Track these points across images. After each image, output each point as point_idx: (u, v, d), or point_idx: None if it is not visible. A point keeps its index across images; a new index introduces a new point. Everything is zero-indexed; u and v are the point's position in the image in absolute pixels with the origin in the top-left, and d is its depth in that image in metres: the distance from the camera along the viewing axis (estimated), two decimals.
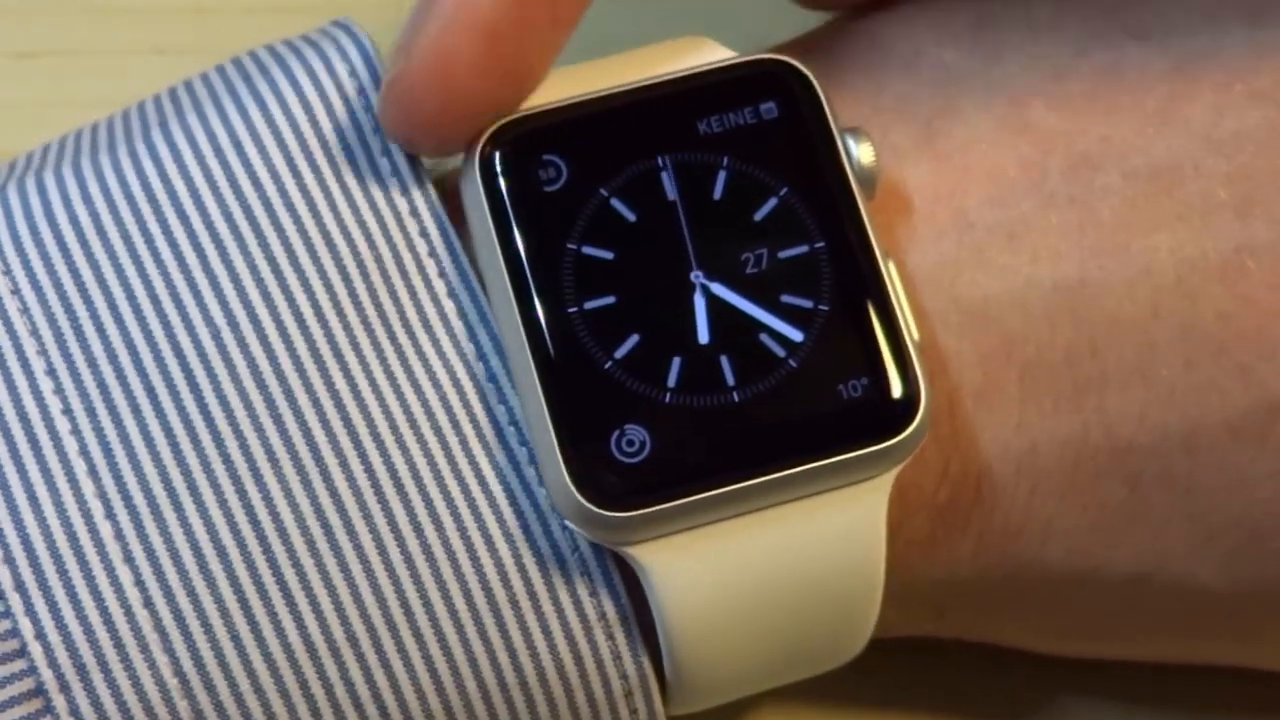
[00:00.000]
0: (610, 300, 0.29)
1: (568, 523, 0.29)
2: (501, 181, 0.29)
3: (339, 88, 0.30)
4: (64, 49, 0.42)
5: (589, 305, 0.29)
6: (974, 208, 0.31)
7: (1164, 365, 0.30)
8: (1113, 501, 0.30)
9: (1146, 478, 0.30)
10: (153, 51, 0.42)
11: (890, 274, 0.29)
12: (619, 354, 0.29)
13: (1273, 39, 0.31)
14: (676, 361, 0.29)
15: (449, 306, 0.30)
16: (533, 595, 0.29)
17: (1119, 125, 0.31)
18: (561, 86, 0.30)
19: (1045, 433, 0.30)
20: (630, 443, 0.28)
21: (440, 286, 0.30)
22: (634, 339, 0.29)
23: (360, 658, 0.29)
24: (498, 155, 0.29)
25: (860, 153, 0.30)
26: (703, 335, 0.29)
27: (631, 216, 0.29)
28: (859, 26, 0.33)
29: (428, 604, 0.29)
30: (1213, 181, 0.30)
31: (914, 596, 0.31)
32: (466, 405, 0.29)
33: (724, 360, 0.29)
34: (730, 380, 0.29)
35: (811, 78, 0.30)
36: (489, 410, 0.29)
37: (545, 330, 0.29)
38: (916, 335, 0.29)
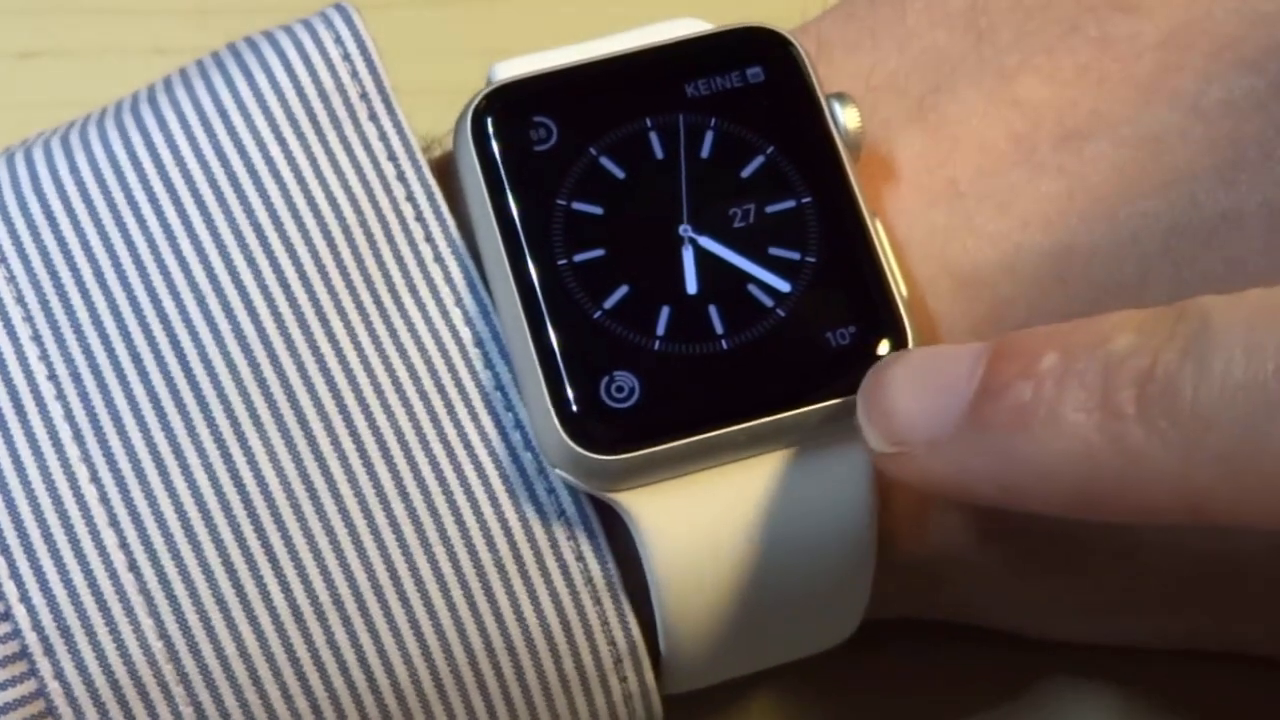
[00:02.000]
0: (600, 253, 0.29)
1: (559, 471, 0.29)
2: (493, 142, 0.30)
3: (325, 56, 0.30)
4: (64, 49, 0.42)
5: (579, 258, 0.29)
6: (964, 178, 0.31)
7: None
8: None
9: None
10: (153, 51, 0.42)
11: (877, 230, 0.29)
12: (608, 304, 0.29)
13: (1261, 8, 0.31)
14: (665, 311, 0.29)
15: (435, 271, 0.30)
16: (519, 560, 0.29)
17: (1109, 97, 0.31)
18: (553, 59, 0.31)
19: None
20: (620, 389, 0.28)
21: (426, 251, 0.30)
22: (623, 289, 0.29)
23: (346, 621, 0.28)
24: (490, 118, 0.30)
25: (845, 116, 0.30)
26: (691, 286, 0.29)
27: (620, 174, 0.30)
28: (853, 11, 0.33)
29: (413, 568, 0.29)
30: (1200, 149, 0.30)
31: (906, 568, 0.31)
32: (452, 370, 0.29)
33: (712, 310, 0.29)
34: (719, 329, 0.29)
35: (797, 43, 0.31)
36: (475, 375, 0.29)
37: (536, 282, 0.29)
38: (904, 290, 0.29)
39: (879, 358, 0.29)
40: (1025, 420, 0.25)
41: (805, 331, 0.29)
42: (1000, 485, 0.26)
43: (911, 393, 0.27)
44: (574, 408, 0.28)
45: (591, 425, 0.28)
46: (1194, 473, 0.23)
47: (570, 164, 0.30)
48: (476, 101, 0.30)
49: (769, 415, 0.28)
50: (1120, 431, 0.24)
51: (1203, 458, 0.23)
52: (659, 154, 0.30)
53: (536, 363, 0.28)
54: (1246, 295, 0.24)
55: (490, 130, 0.30)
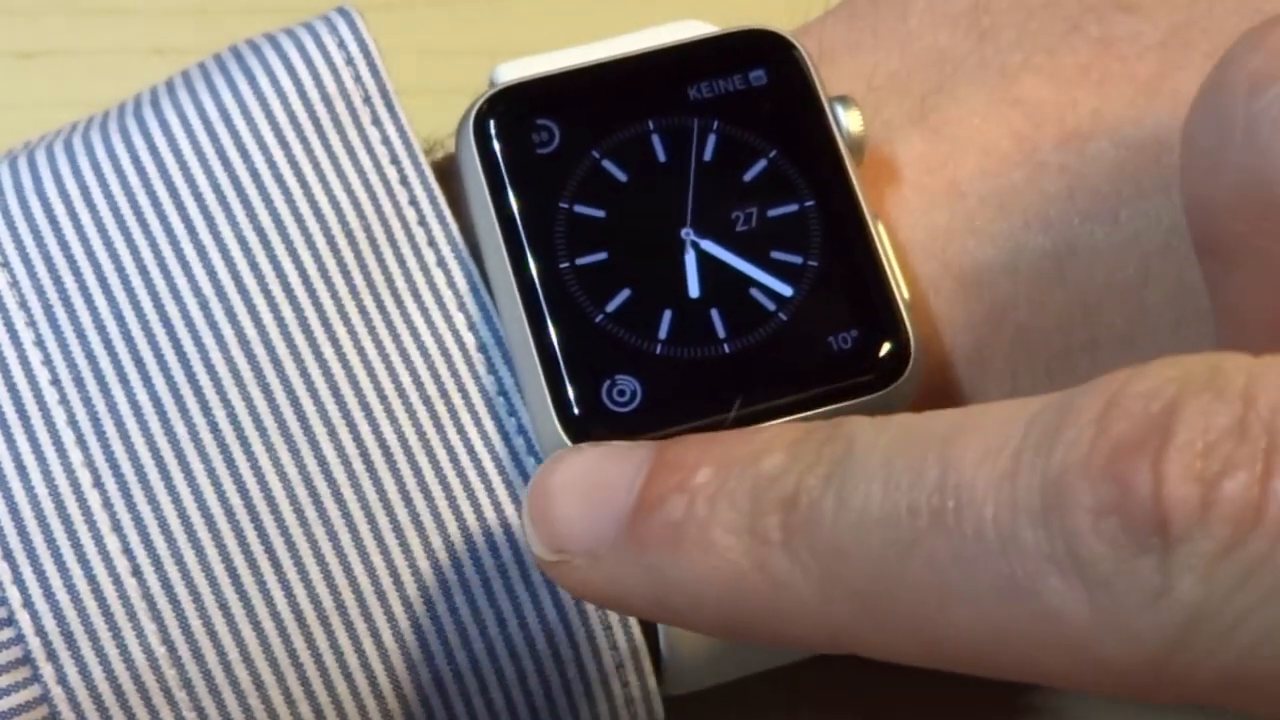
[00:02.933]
0: (602, 256, 0.29)
1: None
2: (496, 145, 0.30)
3: (328, 60, 0.30)
4: (64, 49, 0.42)
5: (581, 261, 0.29)
6: (966, 178, 0.31)
7: (1154, 330, 0.30)
8: None
9: None
10: (153, 51, 0.42)
11: (879, 233, 0.29)
12: (610, 307, 0.29)
13: (1261, 7, 0.31)
14: (667, 315, 0.29)
15: (438, 276, 0.30)
16: (521, 565, 0.29)
17: (1110, 96, 0.31)
18: (556, 62, 0.31)
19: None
20: (621, 392, 0.28)
21: (430, 256, 0.30)
22: (625, 293, 0.29)
23: (349, 627, 0.28)
24: (492, 120, 0.30)
25: (848, 120, 0.30)
26: (693, 290, 0.29)
27: (623, 177, 0.30)
28: (855, 11, 0.33)
29: (417, 574, 0.29)
30: None
31: None
32: (455, 375, 0.29)
33: (714, 314, 0.29)
34: (721, 332, 0.29)
35: (800, 46, 0.31)
36: (478, 380, 0.29)
37: (538, 285, 0.29)
38: (906, 293, 0.29)
39: (881, 361, 0.29)
40: (677, 539, 0.24)
41: (807, 336, 0.29)
42: (655, 603, 0.25)
43: (573, 500, 0.26)
44: (575, 411, 0.28)
45: (593, 428, 0.28)
46: (832, 607, 0.23)
47: (573, 167, 0.30)
48: (479, 104, 0.30)
49: (772, 419, 0.28)
50: (765, 558, 0.23)
51: (840, 592, 0.23)
52: (661, 157, 0.30)
53: (538, 366, 0.28)
54: (892, 421, 0.24)
55: (493, 133, 0.30)
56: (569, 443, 0.28)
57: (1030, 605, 0.21)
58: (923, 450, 0.23)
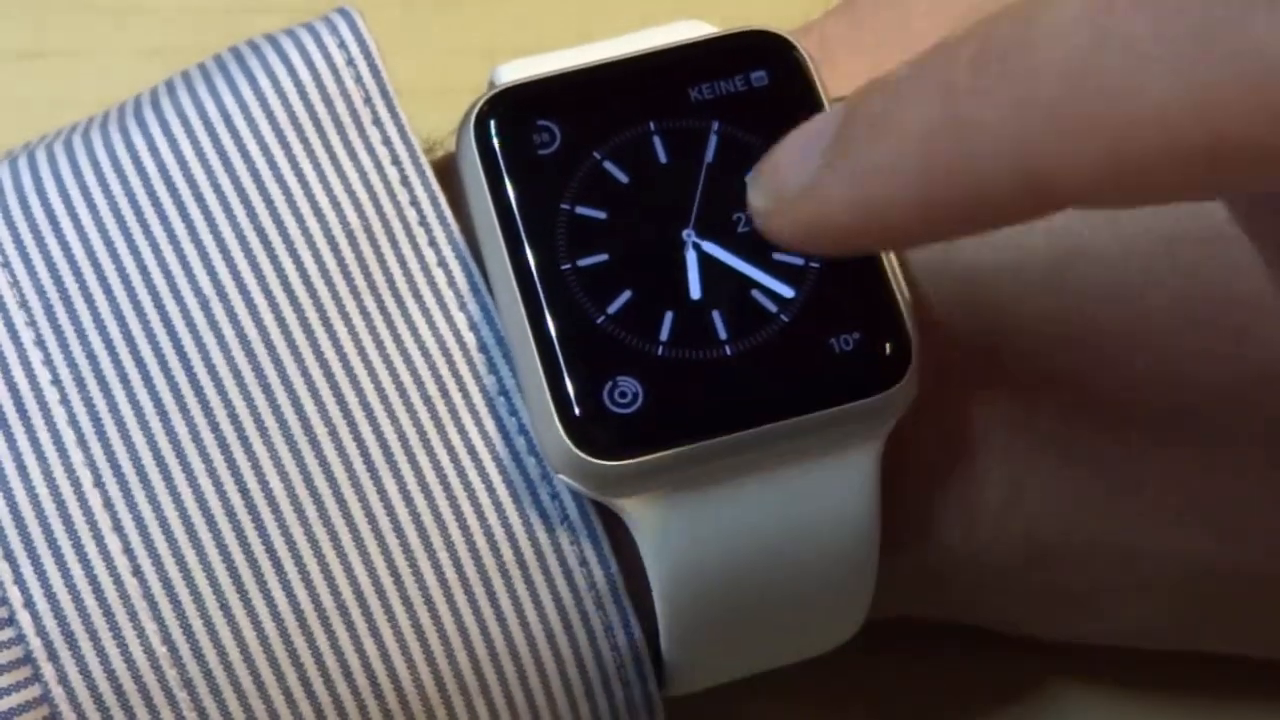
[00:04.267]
0: (603, 258, 0.29)
1: (562, 477, 0.29)
2: (497, 145, 0.30)
3: (328, 60, 0.30)
4: (64, 49, 0.42)
5: (582, 263, 0.29)
6: None
7: (1157, 331, 0.30)
8: (1108, 468, 0.30)
9: (1142, 443, 0.30)
10: (153, 51, 0.42)
11: None
12: (611, 309, 0.29)
13: None
14: (669, 316, 0.29)
15: (439, 276, 0.30)
16: (522, 564, 0.29)
17: None
18: (556, 62, 0.31)
19: (1040, 399, 0.30)
20: (623, 394, 0.28)
21: (430, 256, 0.30)
22: (626, 295, 0.29)
23: (350, 625, 0.28)
24: (493, 121, 0.30)
25: None
26: (695, 291, 0.29)
27: (624, 178, 0.30)
28: (856, 12, 0.33)
29: (417, 573, 0.29)
30: None
31: (908, 570, 0.31)
32: (456, 375, 0.29)
33: (716, 315, 0.29)
34: (722, 334, 0.29)
35: (801, 48, 0.31)
36: (479, 380, 0.29)
37: (539, 287, 0.29)
38: (907, 294, 0.29)
39: (883, 364, 0.29)
40: (877, 130, 0.24)
41: (809, 338, 0.29)
42: (855, 205, 0.24)
43: (790, 147, 0.25)
44: (577, 413, 0.28)
45: (594, 430, 0.28)
46: (1021, 125, 0.22)
47: (574, 168, 0.30)
48: (479, 105, 0.30)
49: (771, 423, 0.28)
50: (955, 104, 0.22)
51: (1030, 108, 0.22)
52: (663, 158, 0.30)
53: (540, 367, 0.28)
54: None
55: (493, 134, 0.30)
56: (571, 446, 0.28)
57: (1240, 49, 0.20)
58: None
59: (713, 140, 0.30)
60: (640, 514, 0.28)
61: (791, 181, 0.25)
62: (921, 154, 0.23)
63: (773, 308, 0.29)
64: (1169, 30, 0.21)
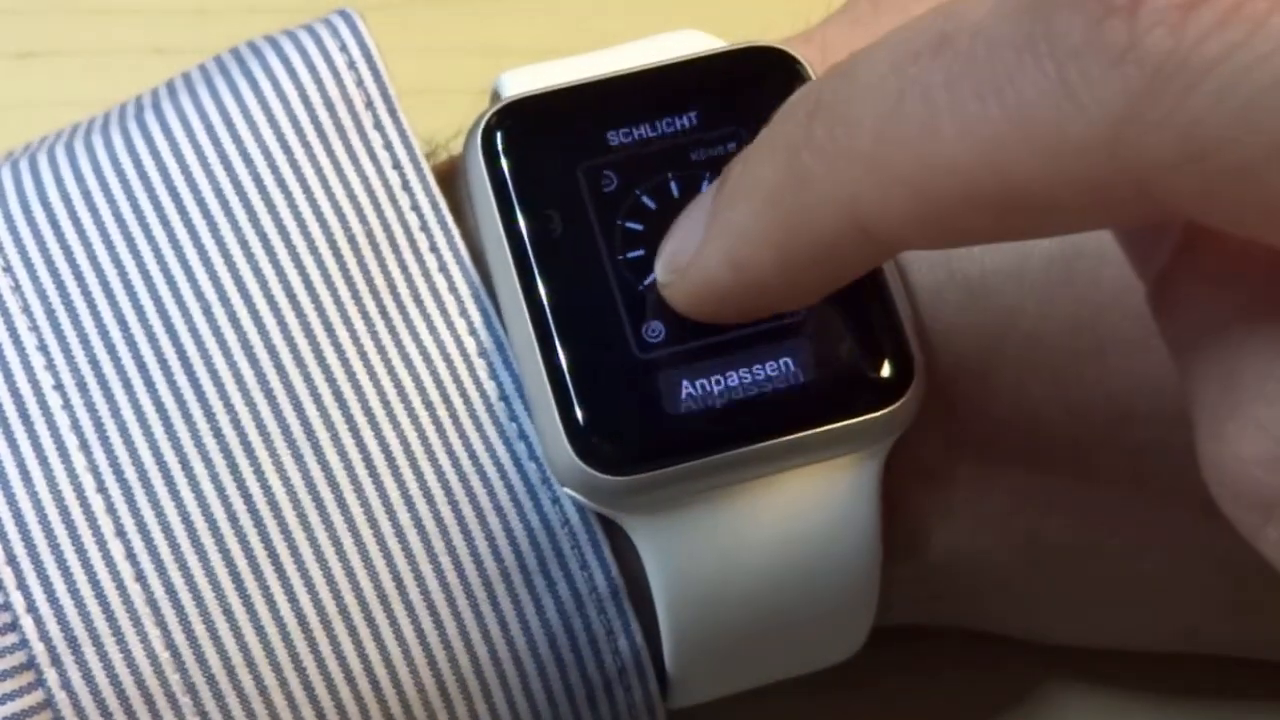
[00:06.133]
0: None
1: (567, 490, 0.29)
2: (504, 159, 0.29)
3: (330, 63, 0.30)
4: (64, 49, 0.42)
5: None
6: None
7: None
8: (1114, 472, 0.30)
9: (1147, 447, 0.30)
10: (153, 51, 0.42)
11: None
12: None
13: None
14: (673, 332, 0.29)
15: (439, 280, 0.30)
16: (523, 569, 0.29)
17: None
18: (562, 73, 0.31)
19: (1045, 404, 0.30)
20: (628, 409, 0.28)
21: (432, 261, 0.30)
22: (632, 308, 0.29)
23: (352, 631, 0.28)
24: (500, 134, 0.30)
25: None
26: None
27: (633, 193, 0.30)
28: (857, 16, 0.33)
29: (419, 577, 0.29)
30: None
31: (910, 578, 0.31)
32: (457, 380, 0.29)
33: (720, 332, 0.29)
34: (727, 352, 0.29)
35: (806, 64, 0.30)
36: (479, 385, 0.29)
37: (545, 302, 0.29)
38: (911, 309, 0.29)
39: (887, 380, 0.29)
40: (736, 195, 0.25)
41: (813, 354, 0.29)
42: (729, 269, 0.26)
43: (686, 218, 0.27)
44: (582, 427, 0.28)
45: (600, 445, 0.28)
46: (844, 177, 0.23)
47: (580, 183, 0.29)
48: (486, 118, 0.30)
49: (775, 438, 0.28)
50: (793, 162, 0.24)
51: (848, 161, 0.23)
52: (671, 176, 0.30)
53: (546, 381, 0.28)
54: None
55: (500, 147, 0.29)
56: (575, 458, 0.28)
57: (1010, 100, 0.21)
58: (919, 17, 0.23)
59: (721, 158, 0.30)
60: (643, 527, 0.28)
61: (682, 253, 0.27)
62: (770, 212, 0.24)
63: (779, 325, 0.29)
64: (958, 82, 0.22)
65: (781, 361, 0.29)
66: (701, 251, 0.26)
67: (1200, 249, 0.23)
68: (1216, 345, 0.22)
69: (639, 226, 0.29)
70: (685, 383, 0.29)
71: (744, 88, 0.30)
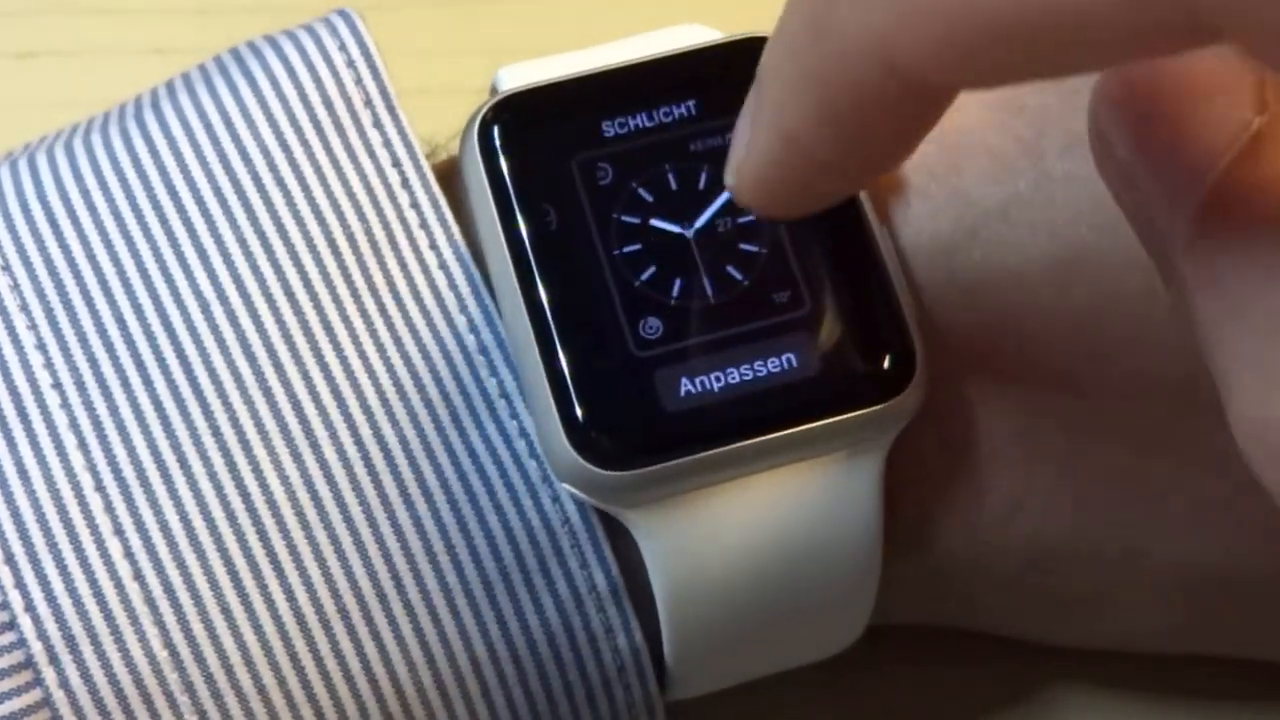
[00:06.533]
0: None
1: (567, 486, 0.29)
2: (500, 154, 0.29)
3: (329, 62, 0.30)
4: (64, 49, 0.42)
5: None
6: (971, 185, 0.31)
7: (1160, 336, 0.30)
8: (1113, 472, 0.30)
9: (1147, 448, 0.30)
10: (153, 51, 0.42)
11: (884, 241, 0.29)
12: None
13: None
14: (673, 325, 0.29)
15: (439, 279, 0.30)
16: (523, 568, 0.29)
17: None
18: (561, 68, 0.31)
19: (1044, 405, 0.30)
20: (627, 403, 0.28)
21: (431, 259, 0.30)
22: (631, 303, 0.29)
23: (351, 630, 0.28)
24: (496, 128, 0.30)
25: None
26: (700, 301, 0.29)
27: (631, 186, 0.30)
28: None
29: (418, 576, 0.29)
30: None
31: (910, 576, 0.31)
32: (457, 378, 0.29)
33: (722, 327, 0.29)
34: (728, 345, 0.29)
35: None
36: (479, 383, 0.29)
37: (544, 298, 0.29)
38: (912, 302, 0.29)
39: (889, 374, 0.29)
40: (772, 73, 0.25)
41: (815, 348, 0.29)
42: (779, 146, 0.25)
43: (738, 122, 0.26)
44: (581, 422, 0.28)
45: (599, 439, 0.28)
46: (877, 22, 0.22)
47: (578, 175, 0.29)
48: (483, 111, 0.30)
49: (775, 432, 0.28)
50: (819, 19, 0.23)
51: (877, 4, 0.22)
52: (670, 168, 0.30)
53: (544, 376, 0.28)
54: None
55: (497, 142, 0.29)
56: (574, 453, 0.28)
57: None
58: None
59: (720, 148, 0.30)
60: (644, 522, 0.28)
61: (739, 150, 0.26)
62: (804, 70, 0.24)
63: (780, 319, 0.29)
64: None
65: (783, 356, 0.29)
66: (754, 138, 0.25)
67: (1230, 209, 0.23)
68: (1255, 310, 0.22)
69: (635, 220, 0.29)
70: (685, 377, 0.29)
71: (743, 77, 0.30)
